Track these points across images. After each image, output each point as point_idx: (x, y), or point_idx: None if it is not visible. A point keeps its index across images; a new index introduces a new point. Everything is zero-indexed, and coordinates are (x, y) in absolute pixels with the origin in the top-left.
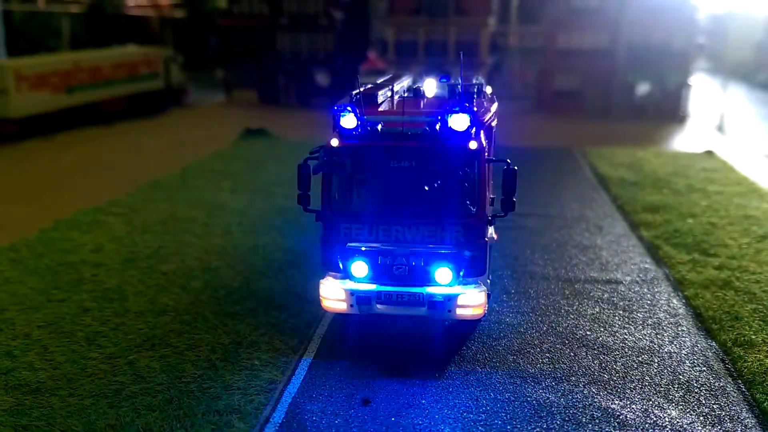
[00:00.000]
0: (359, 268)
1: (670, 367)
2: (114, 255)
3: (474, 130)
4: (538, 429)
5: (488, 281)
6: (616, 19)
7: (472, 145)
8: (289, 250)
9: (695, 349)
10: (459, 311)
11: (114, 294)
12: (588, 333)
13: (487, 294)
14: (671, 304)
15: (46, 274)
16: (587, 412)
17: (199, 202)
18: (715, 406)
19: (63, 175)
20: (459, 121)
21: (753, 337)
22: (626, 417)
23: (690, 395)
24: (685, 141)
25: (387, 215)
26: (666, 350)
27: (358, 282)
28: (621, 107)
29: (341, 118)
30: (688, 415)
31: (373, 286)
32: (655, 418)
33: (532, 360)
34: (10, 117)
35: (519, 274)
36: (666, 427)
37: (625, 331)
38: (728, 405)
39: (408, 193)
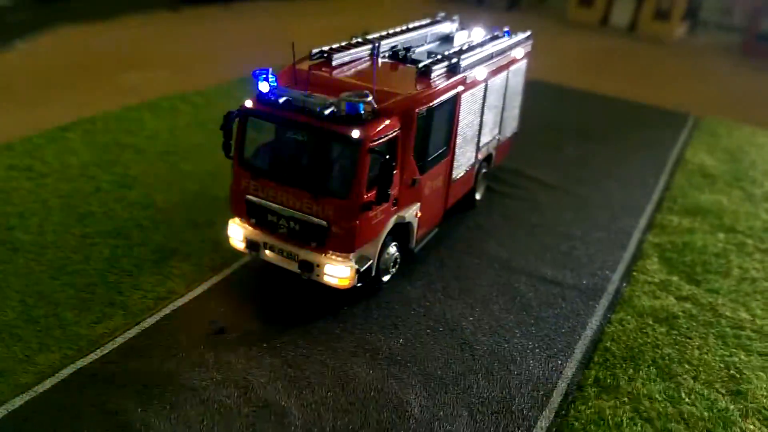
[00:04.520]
0: (252, 219)
1: (507, 385)
2: (160, 145)
3: (370, 118)
4: (297, 392)
5: (392, 254)
6: None
7: (355, 134)
8: None
9: (554, 376)
10: (325, 278)
11: (129, 181)
12: (467, 328)
13: (364, 269)
14: (586, 324)
15: (98, 150)
16: (383, 398)
17: None
18: None
19: (210, 48)
20: (351, 109)
21: (623, 384)
22: (414, 413)
23: (495, 416)
24: None
25: (280, 179)
26: (525, 369)
27: (252, 230)
28: None
29: (258, 83)
30: None
31: (261, 237)
32: (443, 423)
33: (388, 336)
34: None
35: (473, 251)
36: None
37: (506, 336)
38: None
39: (300, 164)
